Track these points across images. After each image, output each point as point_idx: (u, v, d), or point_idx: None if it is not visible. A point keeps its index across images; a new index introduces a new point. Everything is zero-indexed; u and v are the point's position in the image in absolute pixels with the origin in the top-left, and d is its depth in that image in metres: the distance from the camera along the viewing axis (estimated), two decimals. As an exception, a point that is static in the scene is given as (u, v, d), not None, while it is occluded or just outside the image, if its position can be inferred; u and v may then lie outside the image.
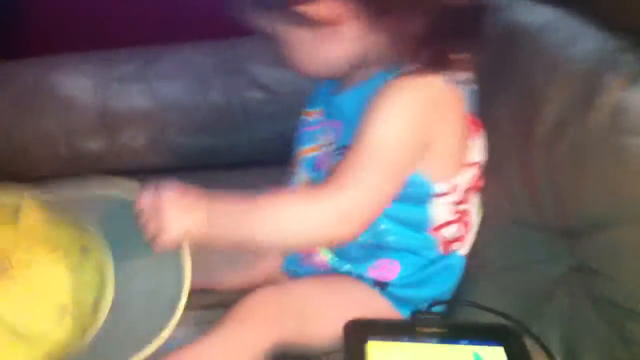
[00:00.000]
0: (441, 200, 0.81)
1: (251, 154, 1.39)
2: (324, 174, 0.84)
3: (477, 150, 0.84)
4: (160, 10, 1.77)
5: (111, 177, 0.78)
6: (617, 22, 0.77)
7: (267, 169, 1.33)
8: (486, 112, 0.87)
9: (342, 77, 0.81)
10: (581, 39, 0.80)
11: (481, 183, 0.86)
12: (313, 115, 0.90)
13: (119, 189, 0.77)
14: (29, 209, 0.74)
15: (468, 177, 0.83)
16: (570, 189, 0.73)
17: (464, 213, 0.84)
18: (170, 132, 1.36)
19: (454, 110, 0.79)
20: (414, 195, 0.79)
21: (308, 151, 0.88)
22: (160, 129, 1.36)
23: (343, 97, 0.82)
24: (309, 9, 0.74)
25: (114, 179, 0.77)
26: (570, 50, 0.80)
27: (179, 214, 0.71)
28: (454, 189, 0.81)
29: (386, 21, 0.74)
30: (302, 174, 0.88)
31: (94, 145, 1.36)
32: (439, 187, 0.80)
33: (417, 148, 0.76)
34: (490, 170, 0.85)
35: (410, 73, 0.76)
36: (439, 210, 0.81)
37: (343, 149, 0.79)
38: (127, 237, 0.74)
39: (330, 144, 0.84)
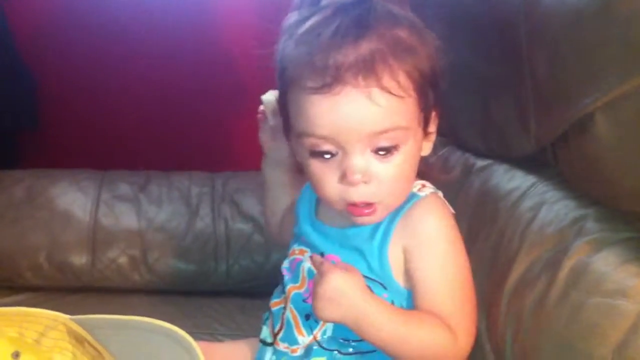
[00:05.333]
0: None
1: (228, 283, 1.40)
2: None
3: None
4: (159, 137, 1.85)
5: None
6: (583, 191, 0.83)
7: (242, 299, 1.35)
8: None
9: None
10: (551, 205, 0.84)
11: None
12: (298, 253, 0.89)
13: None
14: (56, 330, 0.75)
15: None
16: (530, 342, 0.76)
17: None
18: (154, 254, 1.39)
19: None
20: None
21: (295, 288, 0.87)
22: (144, 250, 1.39)
23: (360, 227, 0.82)
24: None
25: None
26: (541, 214, 0.85)
27: (332, 307, 0.75)
28: None
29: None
30: (289, 309, 0.87)
31: (77, 260, 1.37)
32: None
33: None
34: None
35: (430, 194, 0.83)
36: None
37: None
38: None
39: None
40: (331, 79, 0.72)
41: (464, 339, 0.78)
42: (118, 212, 1.42)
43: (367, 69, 0.72)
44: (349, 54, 0.72)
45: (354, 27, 0.73)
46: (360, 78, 0.72)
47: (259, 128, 0.98)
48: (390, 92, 0.73)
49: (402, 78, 0.74)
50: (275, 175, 1.00)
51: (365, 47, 0.72)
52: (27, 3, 1.78)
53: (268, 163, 1.00)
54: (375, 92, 0.73)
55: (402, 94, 0.74)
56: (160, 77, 1.80)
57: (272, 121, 0.95)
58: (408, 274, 0.81)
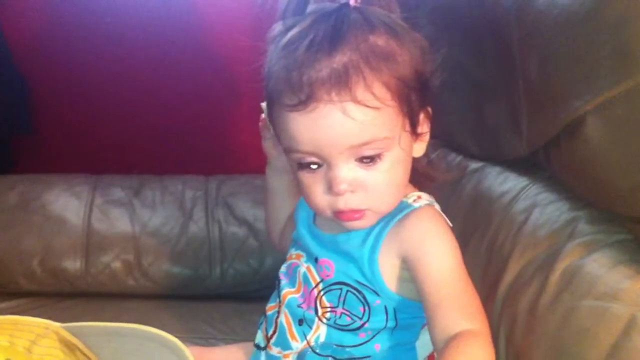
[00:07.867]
0: None
1: (222, 287, 1.40)
2: (308, 314, 0.84)
3: None
4: (152, 141, 1.85)
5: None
6: (576, 193, 0.83)
7: (236, 303, 1.35)
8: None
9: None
10: (544, 207, 0.84)
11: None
12: (295, 258, 0.90)
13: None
14: (48, 338, 0.75)
15: None
16: (523, 345, 0.76)
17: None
18: (148, 259, 1.38)
19: None
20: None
21: (291, 293, 0.88)
22: (138, 255, 1.38)
23: (350, 234, 0.82)
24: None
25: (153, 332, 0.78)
26: (533, 216, 0.85)
27: None
28: None
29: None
30: (283, 313, 0.87)
31: (70, 265, 1.37)
32: None
33: None
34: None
35: (425, 205, 0.81)
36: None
37: (341, 284, 0.82)
38: None
39: (317, 283, 0.84)
40: (305, 97, 0.72)
41: (484, 325, 0.75)
42: (112, 216, 1.41)
43: (340, 83, 0.71)
44: (322, 69, 0.71)
45: (327, 39, 0.72)
46: (333, 93, 0.71)
47: (260, 136, 0.98)
48: (365, 105, 0.72)
49: (378, 89, 0.72)
50: (279, 182, 1.00)
51: (339, 60, 0.71)
52: (20, 8, 1.78)
53: (271, 170, 1.00)
54: (350, 106, 0.72)
55: (378, 105, 0.72)
56: (153, 81, 1.79)
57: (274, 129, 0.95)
58: (415, 282, 0.79)
